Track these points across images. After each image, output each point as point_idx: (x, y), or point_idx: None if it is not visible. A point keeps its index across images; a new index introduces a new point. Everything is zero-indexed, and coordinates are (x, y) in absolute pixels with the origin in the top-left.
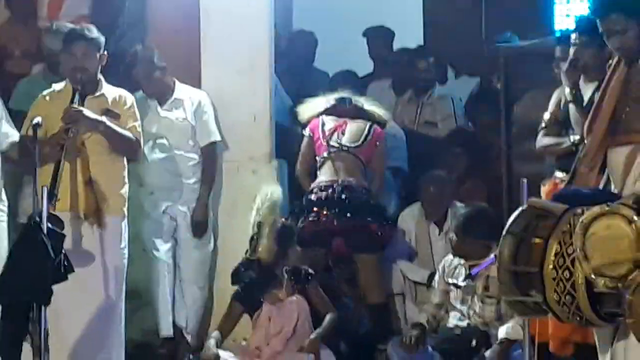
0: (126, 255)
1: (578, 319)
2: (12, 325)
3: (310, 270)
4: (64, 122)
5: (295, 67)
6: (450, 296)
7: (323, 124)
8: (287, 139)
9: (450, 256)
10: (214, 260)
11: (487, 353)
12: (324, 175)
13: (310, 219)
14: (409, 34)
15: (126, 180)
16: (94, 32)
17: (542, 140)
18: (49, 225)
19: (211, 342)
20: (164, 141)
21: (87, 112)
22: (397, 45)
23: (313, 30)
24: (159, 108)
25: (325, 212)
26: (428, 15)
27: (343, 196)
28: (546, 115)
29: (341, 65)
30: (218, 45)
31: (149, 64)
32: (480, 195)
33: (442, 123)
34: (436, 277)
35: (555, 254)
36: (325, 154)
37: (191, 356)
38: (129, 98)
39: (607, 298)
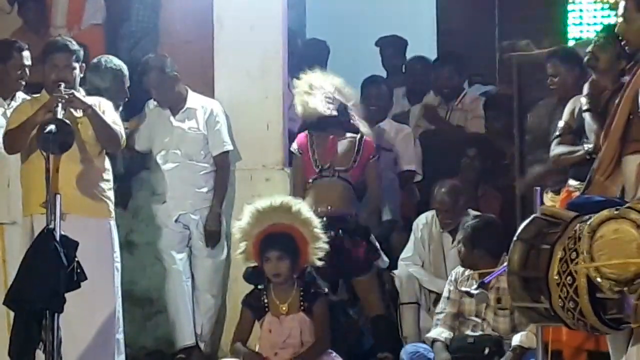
0: (118, 260)
1: (582, 324)
2: (25, 333)
3: (322, 289)
4: (56, 96)
5: None
6: (463, 307)
7: (312, 143)
8: None
9: (461, 267)
10: (227, 268)
11: None
12: (313, 204)
13: None
14: (423, 43)
15: (110, 180)
16: (75, 44)
17: (557, 149)
18: (62, 232)
19: (238, 344)
20: (177, 151)
21: (78, 94)
22: (410, 53)
23: (325, 39)
24: (171, 118)
25: None
26: (442, 24)
27: (332, 231)
28: (561, 124)
29: (353, 74)
30: (231, 53)
31: (160, 73)
32: (494, 203)
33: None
34: (447, 287)
35: (560, 260)
36: (312, 179)
37: None
38: (107, 104)
39: (611, 304)
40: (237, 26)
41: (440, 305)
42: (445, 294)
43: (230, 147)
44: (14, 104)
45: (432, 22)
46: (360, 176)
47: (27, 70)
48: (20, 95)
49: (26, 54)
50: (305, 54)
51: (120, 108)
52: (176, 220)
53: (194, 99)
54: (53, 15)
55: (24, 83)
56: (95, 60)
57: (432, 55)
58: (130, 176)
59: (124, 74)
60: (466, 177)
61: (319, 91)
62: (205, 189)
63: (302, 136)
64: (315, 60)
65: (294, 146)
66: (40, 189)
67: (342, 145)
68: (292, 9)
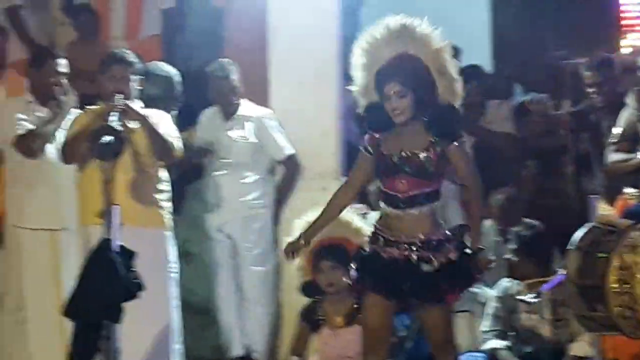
0: (175, 270)
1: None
2: (84, 343)
3: None
4: (111, 106)
5: None
6: (515, 323)
7: None
8: (355, 155)
9: (506, 280)
10: (277, 278)
11: None
12: None
13: None
14: (477, 50)
15: (166, 191)
16: (132, 56)
17: (612, 157)
18: (119, 243)
19: (294, 358)
20: (226, 159)
21: (133, 105)
22: (466, 61)
23: None
24: (225, 125)
25: None
26: (497, 31)
27: None
28: (616, 132)
29: None
30: (286, 62)
31: (226, 82)
32: (549, 212)
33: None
34: (493, 304)
35: (617, 268)
36: None
37: None
38: (163, 115)
39: None
40: (291, 35)
41: (488, 323)
42: (491, 310)
43: (292, 150)
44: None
45: (486, 31)
46: None
47: (62, 77)
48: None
49: (61, 61)
50: None
51: (174, 114)
52: (220, 230)
53: (246, 108)
54: (110, 27)
55: (60, 89)
56: (146, 67)
57: (486, 62)
58: (185, 186)
59: (175, 81)
60: (522, 186)
61: None
62: (250, 197)
63: None
64: None
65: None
66: (97, 199)
67: None
68: (347, 16)
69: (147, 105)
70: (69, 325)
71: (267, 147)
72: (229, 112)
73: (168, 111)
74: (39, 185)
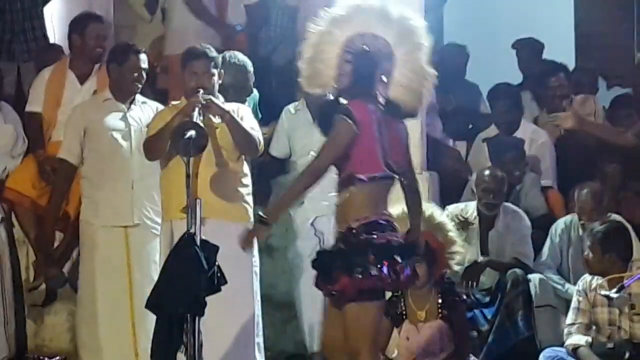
0: (257, 264)
1: None
2: (167, 336)
3: (461, 296)
4: (194, 101)
5: (446, 80)
6: (596, 317)
7: None
8: (437, 151)
9: (588, 276)
10: None
11: None
12: None
13: None
14: (561, 45)
15: (249, 185)
16: (213, 51)
17: None
18: (202, 237)
19: None
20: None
21: (216, 100)
22: (549, 56)
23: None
24: (310, 119)
25: None
26: (580, 26)
27: None
28: None
29: (492, 78)
30: None
31: None
32: (635, 208)
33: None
34: (576, 297)
35: None
36: None
37: None
38: (246, 110)
39: None
40: None
41: (571, 316)
42: (574, 304)
43: None
44: (134, 107)
45: (570, 24)
46: None
47: (143, 73)
48: (140, 99)
49: (143, 57)
50: (443, 60)
51: (246, 103)
52: (312, 224)
53: None
54: None
55: (140, 86)
56: (220, 55)
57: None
58: (267, 180)
59: (248, 70)
60: (608, 181)
61: None
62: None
63: None
64: (455, 65)
65: None
66: (180, 195)
67: None
68: (429, 13)
69: (221, 92)
70: (138, 319)
71: None
72: None
73: (242, 99)
74: (112, 183)
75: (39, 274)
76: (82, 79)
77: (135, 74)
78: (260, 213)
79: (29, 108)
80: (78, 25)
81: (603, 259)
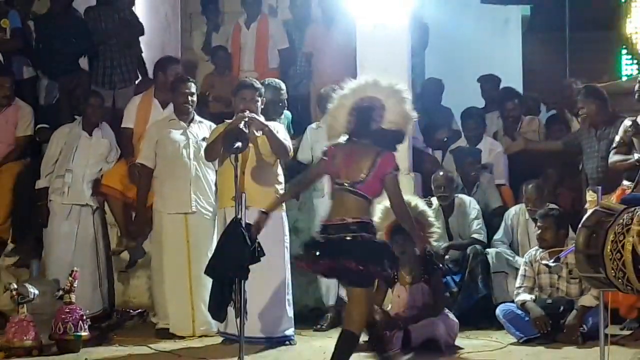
0: (287, 241)
1: (630, 289)
2: (220, 295)
3: (438, 265)
4: (241, 116)
5: (427, 105)
6: (540, 282)
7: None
8: (420, 158)
9: (533, 250)
10: None
11: (569, 317)
12: None
13: None
14: (512, 78)
15: (282, 182)
16: (258, 84)
17: (613, 158)
18: (247, 221)
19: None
20: None
21: (258, 117)
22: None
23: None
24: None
25: None
26: (526, 64)
27: None
28: (616, 138)
29: (461, 103)
30: None
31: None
32: (567, 199)
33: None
34: (522, 267)
35: (612, 241)
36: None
37: None
38: (280, 126)
39: None
40: (374, 68)
41: (519, 281)
42: (521, 272)
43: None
44: (192, 125)
45: (519, 64)
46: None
47: (191, 98)
48: (197, 119)
49: (190, 84)
50: (426, 90)
51: (282, 121)
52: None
53: None
54: (241, 62)
55: (189, 107)
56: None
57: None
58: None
59: (282, 89)
60: (548, 180)
61: None
62: None
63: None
64: (433, 94)
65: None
66: (231, 188)
67: None
68: (415, 57)
69: (263, 110)
70: (194, 283)
71: None
72: None
73: (278, 112)
74: (175, 181)
75: (121, 245)
76: (164, 105)
77: (184, 99)
78: (262, 209)
79: (124, 124)
80: (162, 66)
81: (558, 234)
